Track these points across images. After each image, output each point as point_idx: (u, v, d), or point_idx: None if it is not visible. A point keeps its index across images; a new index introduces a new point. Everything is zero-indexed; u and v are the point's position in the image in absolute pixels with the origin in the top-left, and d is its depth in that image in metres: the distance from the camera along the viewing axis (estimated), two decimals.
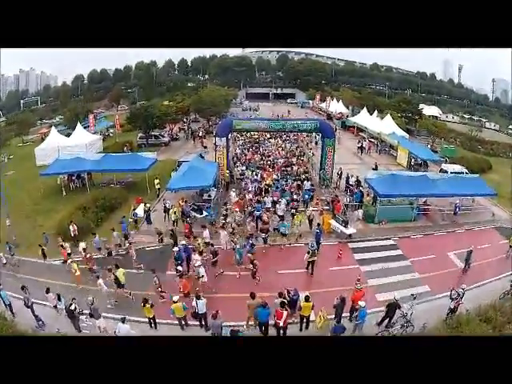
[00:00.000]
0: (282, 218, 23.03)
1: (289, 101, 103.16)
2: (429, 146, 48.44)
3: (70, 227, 21.75)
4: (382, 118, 53.20)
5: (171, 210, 23.84)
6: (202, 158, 34.86)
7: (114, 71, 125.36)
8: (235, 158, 37.29)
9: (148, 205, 25.80)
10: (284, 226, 22.06)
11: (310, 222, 23.67)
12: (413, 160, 39.05)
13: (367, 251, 21.89)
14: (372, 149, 46.65)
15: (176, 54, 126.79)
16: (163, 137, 48.65)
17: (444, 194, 26.53)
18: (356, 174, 31.10)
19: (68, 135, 47.78)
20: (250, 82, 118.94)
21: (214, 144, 30.80)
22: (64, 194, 30.59)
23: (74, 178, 32.08)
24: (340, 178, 32.28)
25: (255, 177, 31.05)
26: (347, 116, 66.17)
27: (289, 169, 34.36)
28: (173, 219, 23.57)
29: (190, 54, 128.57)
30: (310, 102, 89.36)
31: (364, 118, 55.10)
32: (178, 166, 30.90)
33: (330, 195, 28.52)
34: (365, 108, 57.59)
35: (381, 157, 44.25)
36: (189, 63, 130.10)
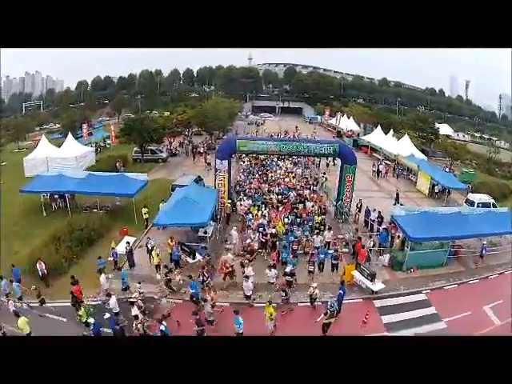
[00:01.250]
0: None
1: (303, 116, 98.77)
2: (447, 169, 44.19)
3: (37, 265, 18.03)
4: (399, 139, 49.19)
5: (153, 252, 19.54)
6: (201, 180, 30.83)
7: (118, 79, 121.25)
8: (238, 187, 31.45)
9: (131, 239, 21.62)
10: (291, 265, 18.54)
11: (313, 300, 17.59)
12: (436, 187, 34.85)
13: (396, 311, 17.66)
14: (389, 173, 42.14)
15: (181, 64, 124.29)
16: (161, 152, 44.24)
17: (480, 234, 22.36)
18: (377, 207, 26.61)
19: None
20: (256, 95, 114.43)
21: (215, 167, 26.43)
22: (45, 214, 26.71)
23: (56, 197, 28.02)
24: (360, 210, 27.86)
25: (262, 220, 23.32)
26: (358, 134, 62.18)
27: (301, 206, 27.05)
28: (155, 263, 19.25)
29: (196, 63, 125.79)
30: (318, 117, 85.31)
31: (378, 138, 51.14)
32: (172, 190, 26.35)
33: (349, 233, 24.09)
34: (379, 126, 53.45)
35: (399, 182, 39.98)
36: (194, 73, 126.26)
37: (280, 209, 25.85)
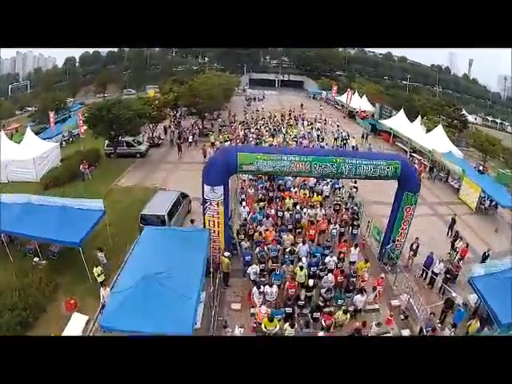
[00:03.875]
0: None
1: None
2: (480, 167, 35.31)
3: None
4: (426, 127, 39.84)
5: None
6: (185, 198, 21.96)
7: (107, 53, 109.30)
8: (242, 229, 18.68)
9: (82, 320, 13.70)
10: None
11: None
12: (485, 201, 26.36)
13: None
14: (423, 173, 32.06)
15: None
16: (139, 143, 34.61)
17: None
18: (439, 254, 18.33)
19: (39, 132, 39.44)
20: (253, 67, 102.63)
21: (202, 197, 16.02)
22: None
23: None
24: (415, 253, 18.78)
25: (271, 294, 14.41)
26: (373, 115, 52.41)
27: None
28: None
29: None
30: (323, 92, 74.83)
31: (402, 124, 40.97)
32: (140, 231, 16.78)
33: (407, 299, 15.65)
34: (401, 110, 43.39)
35: (435, 185, 30.95)
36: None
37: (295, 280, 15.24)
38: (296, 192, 23.03)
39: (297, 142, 34.85)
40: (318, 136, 38.80)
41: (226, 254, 16.08)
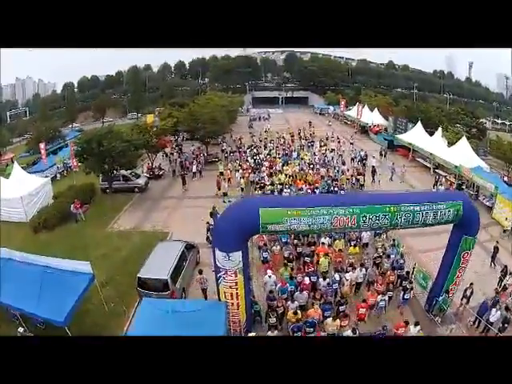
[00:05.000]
0: None
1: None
2: (505, 177, 31.29)
3: None
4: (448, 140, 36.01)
5: None
6: (191, 249, 17.85)
7: (104, 77, 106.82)
8: (270, 309, 13.83)
9: None
10: None
11: None
12: None
13: None
14: (453, 189, 28.30)
15: (172, 56, 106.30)
16: (137, 176, 30.69)
17: None
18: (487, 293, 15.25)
19: (35, 163, 39.47)
20: (256, 86, 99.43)
21: (215, 265, 12.14)
22: None
23: None
24: (468, 301, 14.93)
25: None
26: (386, 129, 48.58)
27: None
28: None
29: (188, 56, 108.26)
30: (331, 107, 71.34)
31: (422, 138, 37.14)
32: (141, 297, 13.81)
33: None
34: (419, 123, 39.55)
35: None
36: (187, 66, 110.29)
37: None
38: (330, 245, 17.99)
39: (313, 168, 31.28)
40: (333, 158, 35.12)
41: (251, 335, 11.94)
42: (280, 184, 26.15)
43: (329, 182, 26.99)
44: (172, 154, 39.19)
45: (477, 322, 14.41)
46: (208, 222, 20.19)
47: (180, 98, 66.03)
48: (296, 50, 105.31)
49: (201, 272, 15.64)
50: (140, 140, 28.74)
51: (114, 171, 26.91)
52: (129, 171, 29.21)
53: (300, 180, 27.06)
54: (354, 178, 29.02)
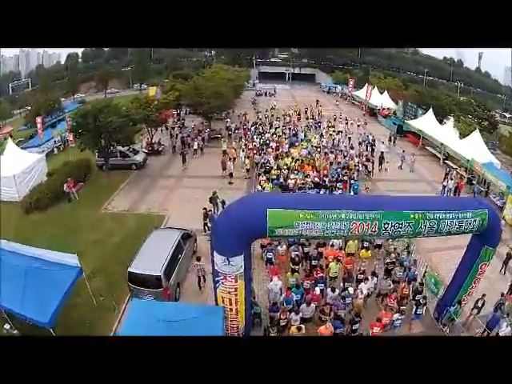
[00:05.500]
0: None
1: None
2: None
3: None
4: (461, 133, 34.04)
5: None
6: (188, 238, 16.52)
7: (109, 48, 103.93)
8: (273, 322, 12.81)
9: None
10: None
11: None
12: None
13: None
14: (463, 188, 25.95)
15: None
16: (135, 153, 29.12)
17: None
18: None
19: (32, 136, 38.25)
20: (263, 60, 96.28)
21: (214, 269, 10.81)
22: None
23: None
24: (479, 311, 13.78)
25: None
26: (394, 113, 46.69)
27: None
28: None
29: None
30: (338, 86, 69.05)
31: (432, 126, 35.16)
32: (132, 292, 13.38)
33: None
34: (430, 110, 37.54)
35: None
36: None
37: None
38: (341, 247, 16.36)
39: (320, 151, 29.73)
40: (340, 141, 33.60)
41: None
42: (287, 169, 24.63)
43: (338, 170, 25.44)
44: (173, 128, 37.50)
45: (485, 334, 13.23)
46: (205, 208, 18.68)
47: (185, 70, 63.86)
48: None
49: (199, 259, 14.62)
50: (139, 114, 27.01)
51: (111, 147, 25.39)
52: (126, 147, 27.64)
53: (308, 165, 25.51)
54: (360, 165, 27.31)
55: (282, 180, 22.93)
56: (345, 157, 28.73)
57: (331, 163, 27.12)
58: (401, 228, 10.15)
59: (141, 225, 19.26)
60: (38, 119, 35.50)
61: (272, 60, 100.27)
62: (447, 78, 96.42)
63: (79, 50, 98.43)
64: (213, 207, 19.78)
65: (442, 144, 31.98)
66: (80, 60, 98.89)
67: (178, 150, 31.54)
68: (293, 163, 25.71)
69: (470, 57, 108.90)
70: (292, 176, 23.12)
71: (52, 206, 22.34)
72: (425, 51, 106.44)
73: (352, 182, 23.59)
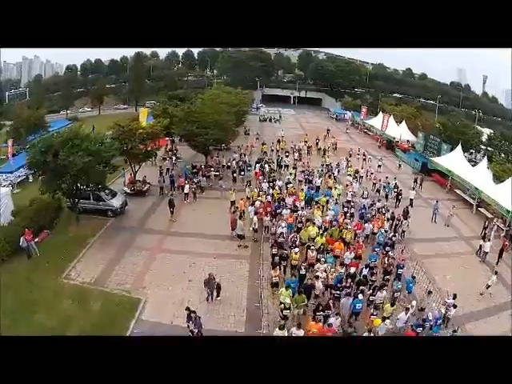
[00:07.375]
0: None
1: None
2: None
3: None
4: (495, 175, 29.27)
5: None
6: None
7: (109, 62, 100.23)
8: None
9: None
10: None
11: None
12: None
13: None
14: (507, 249, 20.00)
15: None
16: (112, 195, 23.15)
17: None
18: None
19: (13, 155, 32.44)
20: (266, 82, 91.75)
21: None
22: None
23: None
24: None
25: None
26: (413, 146, 41.52)
27: None
28: None
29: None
30: (348, 113, 64.29)
31: (461, 166, 30.35)
32: None
33: None
34: (459, 147, 32.58)
35: None
36: (195, 56, 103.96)
37: None
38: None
39: (347, 213, 21.07)
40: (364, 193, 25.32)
41: None
42: (316, 250, 16.59)
43: (379, 252, 17.69)
44: (164, 159, 31.84)
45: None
46: (188, 308, 12.83)
47: (184, 90, 59.09)
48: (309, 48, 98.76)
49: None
50: (111, 151, 20.59)
51: (78, 191, 19.78)
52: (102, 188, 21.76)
53: (336, 241, 17.80)
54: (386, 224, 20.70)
55: (308, 278, 15.48)
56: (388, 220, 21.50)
57: (366, 236, 19.85)
58: None
59: (108, 311, 14.34)
60: (10, 142, 31.15)
61: (276, 82, 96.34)
62: (456, 104, 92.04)
63: (78, 63, 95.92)
64: (209, 291, 14.49)
65: (476, 189, 26.84)
66: (79, 73, 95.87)
67: (166, 192, 25.65)
68: (318, 237, 17.67)
69: (472, 80, 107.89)
70: (322, 267, 15.44)
71: (9, 263, 17.45)
72: (432, 76, 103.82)
73: (407, 278, 16.18)
